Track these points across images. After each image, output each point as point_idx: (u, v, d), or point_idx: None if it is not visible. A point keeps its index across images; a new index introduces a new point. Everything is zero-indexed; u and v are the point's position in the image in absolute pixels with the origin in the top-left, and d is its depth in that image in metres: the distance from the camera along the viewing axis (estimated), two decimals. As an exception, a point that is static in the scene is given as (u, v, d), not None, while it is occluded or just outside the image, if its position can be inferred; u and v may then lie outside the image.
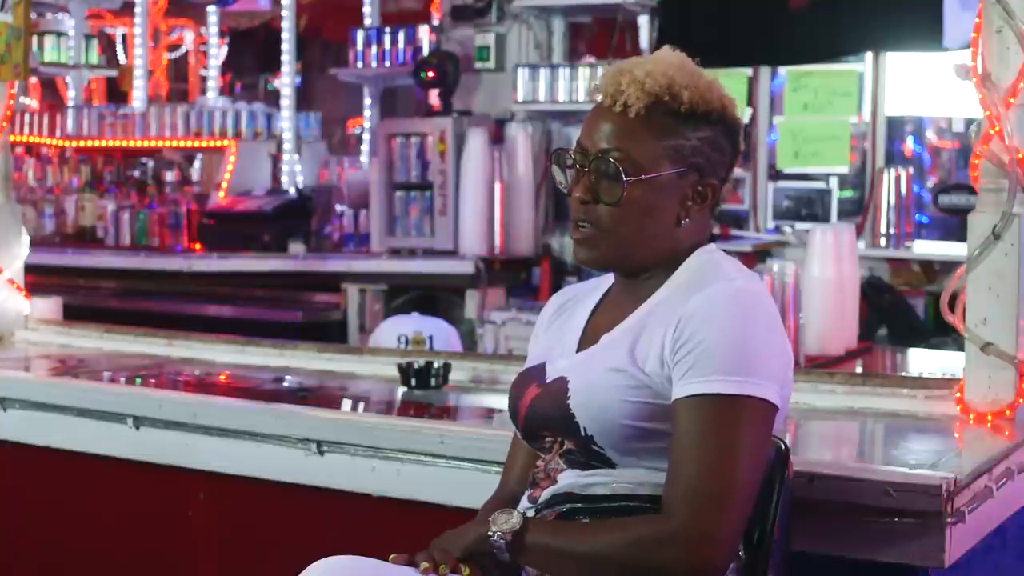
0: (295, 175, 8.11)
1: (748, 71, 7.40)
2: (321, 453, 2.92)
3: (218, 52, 9.66)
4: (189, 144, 8.26)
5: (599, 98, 2.07)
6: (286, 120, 8.17)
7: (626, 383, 1.99)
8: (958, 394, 2.85)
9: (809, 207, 7.43)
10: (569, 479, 2.06)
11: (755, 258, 6.23)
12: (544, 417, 2.09)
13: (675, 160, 2.04)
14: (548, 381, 2.11)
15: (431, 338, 5.10)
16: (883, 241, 6.91)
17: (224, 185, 7.93)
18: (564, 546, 1.97)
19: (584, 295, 2.23)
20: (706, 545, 1.88)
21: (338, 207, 7.70)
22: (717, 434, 1.91)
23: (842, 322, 4.27)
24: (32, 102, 10.02)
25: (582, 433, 2.02)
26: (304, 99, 9.71)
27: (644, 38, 7.33)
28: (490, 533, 1.99)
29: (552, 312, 2.25)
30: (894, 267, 6.79)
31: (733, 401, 1.92)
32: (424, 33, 7.76)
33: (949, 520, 2.24)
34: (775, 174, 7.54)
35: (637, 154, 2.03)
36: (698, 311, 1.96)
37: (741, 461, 1.91)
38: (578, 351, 2.12)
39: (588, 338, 2.13)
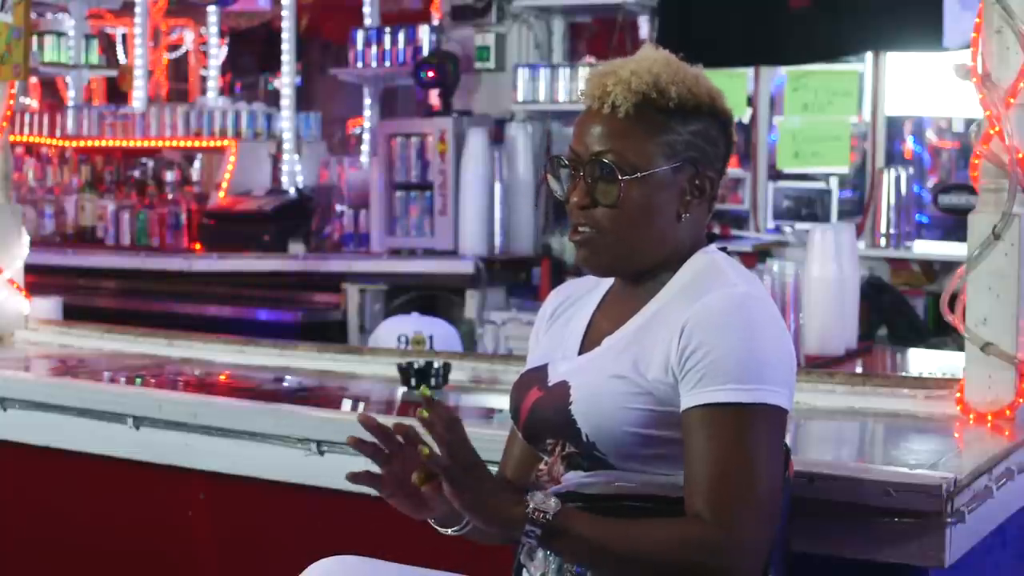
0: (295, 175, 8.11)
1: (748, 71, 7.40)
2: (321, 453, 2.92)
3: (218, 52, 9.67)
4: (189, 144, 8.26)
5: (587, 102, 2.06)
6: (286, 120, 8.17)
7: (628, 390, 1.98)
8: (958, 394, 2.84)
9: (809, 207, 7.44)
10: (571, 479, 2.05)
11: (755, 258, 6.22)
12: (545, 421, 2.09)
13: (669, 156, 2.03)
14: (550, 384, 2.10)
15: (431, 338, 5.10)
16: (883, 241, 6.91)
17: (224, 185, 7.93)
18: (602, 535, 1.91)
19: (584, 293, 2.22)
20: (750, 555, 1.89)
21: (338, 207, 7.70)
22: (742, 444, 1.90)
23: (842, 322, 4.26)
24: (32, 102, 10.03)
25: (584, 439, 2.01)
26: (304, 99, 9.72)
27: (644, 38, 7.33)
28: (528, 512, 1.90)
29: (552, 310, 2.24)
30: (894, 267, 6.79)
31: (752, 410, 1.91)
32: (424, 33, 7.76)
33: (949, 520, 2.24)
34: (775, 174, 7.54)
35: (631, 153, 2.02)
36: (704, 319, 1.95)
37: (768, 469, 1.91)
38: (580, 353, 2.12)
39: (590, 340, 2.12)
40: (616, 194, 2.02)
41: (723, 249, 2.13)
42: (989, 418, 2.78)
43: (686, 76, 2.04)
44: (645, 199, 2.03)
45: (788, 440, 2.07)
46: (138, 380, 3.63)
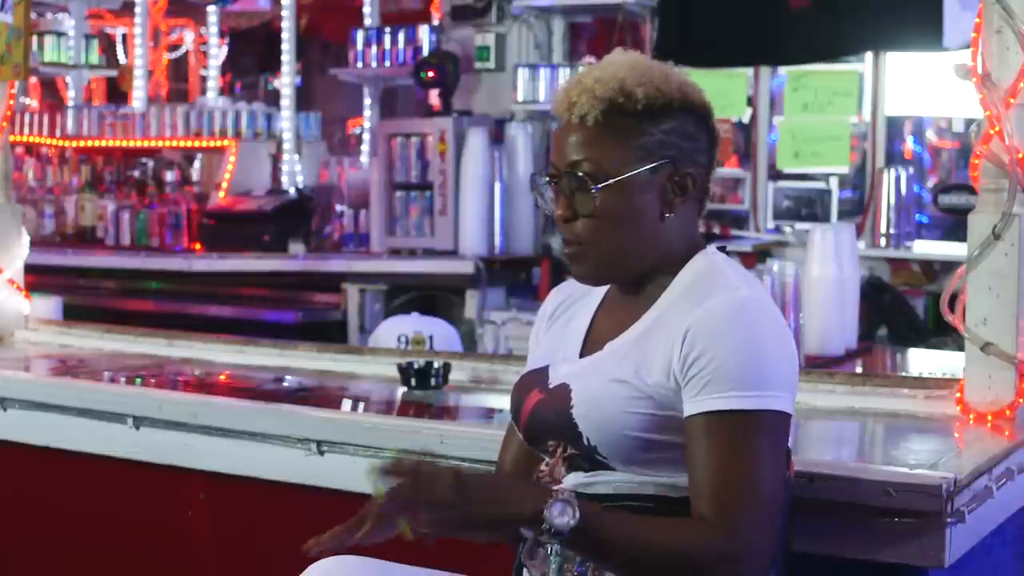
0: (295, 175, 8.11)
1: (748, 71, 7.40)
2: (321, 453, 2.92)
3: (218, 52, 9.67)
4: (189, 144, 8.27)
5: (557, 115, 2.06)
6: (286, 120, 8.18)
7: (629, 395, 1.98)
8: (958, 394, 2.84)
9: (809, 207, 7.43)
10: (572, 480, 2.06)
11: (755, 258, 6.23)
12: (546, 424, 2.08)
13: (643, 158, 2.02)
14: (551, 387, 2.09)
15: (431, 338, 5.09)
16: (883, 241, 6.91)
17: (224, 185, 7.93)
18: (614, 535, 1.89)
19: (585, 292, 2.21)
20: (754, 559, 1.89)
21: (338, 207, 7.70)
22: (745, 450, 1.90)
23: (842, 322, 4.26)
24: (32, 102, 10.03)
25: (585, 442, 2.01)
26: (304, 99, 9.72)
27: (644, 38, 7.34)
28: (545, 526, 1.86)
29: (552, 310, 2.24)
30: (894, 267, 6.79)
31: (754, 416, 1.91)
32: (424, 33, 7.76)
33: (949, 520, 2.24)
34: (775, 174, 7.54)
35: (604, 161, 2.01)
36: (707, 325, 1.94)
37: (771, 473, 1.92)
38: (581, 355, 2.12)
39: (591, 342, 2.12)
40: (591, 203, 2.02)
41: (722, 249, 2.12)
42: (989, 418, 2.78)
43: (654, 76, 2.03)
44: (623, 204, 2.02)
45: (788, 440, 2.07)
46: (138, 380, 3.63)
